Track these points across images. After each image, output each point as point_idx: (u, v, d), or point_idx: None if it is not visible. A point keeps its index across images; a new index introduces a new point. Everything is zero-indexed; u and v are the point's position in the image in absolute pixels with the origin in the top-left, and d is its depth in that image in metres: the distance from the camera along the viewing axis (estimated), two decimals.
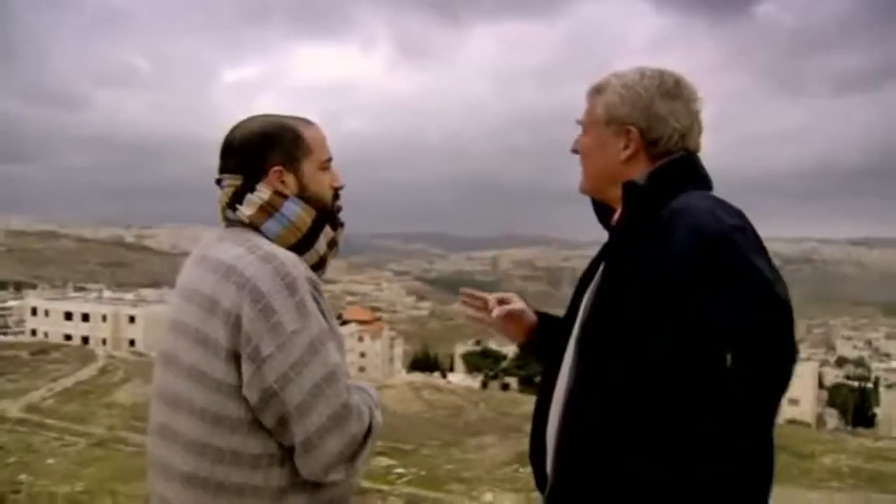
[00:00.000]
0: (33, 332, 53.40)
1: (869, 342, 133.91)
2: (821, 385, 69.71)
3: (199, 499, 1.48)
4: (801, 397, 56.75)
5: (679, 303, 1.34)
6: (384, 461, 8.32)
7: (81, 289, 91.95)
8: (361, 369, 64.36)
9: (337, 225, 1.69)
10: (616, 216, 1.61)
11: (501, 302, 1.88)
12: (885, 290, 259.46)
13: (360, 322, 77.72)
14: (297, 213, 1.60)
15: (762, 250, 1.39)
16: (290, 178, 1.61)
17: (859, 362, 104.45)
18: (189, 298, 1.54)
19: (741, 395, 1.30)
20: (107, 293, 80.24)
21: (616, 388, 1.40)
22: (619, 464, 1.39)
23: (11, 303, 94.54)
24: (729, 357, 1.29)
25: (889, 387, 68.55)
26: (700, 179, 1.57)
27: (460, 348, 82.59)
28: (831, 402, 66.94)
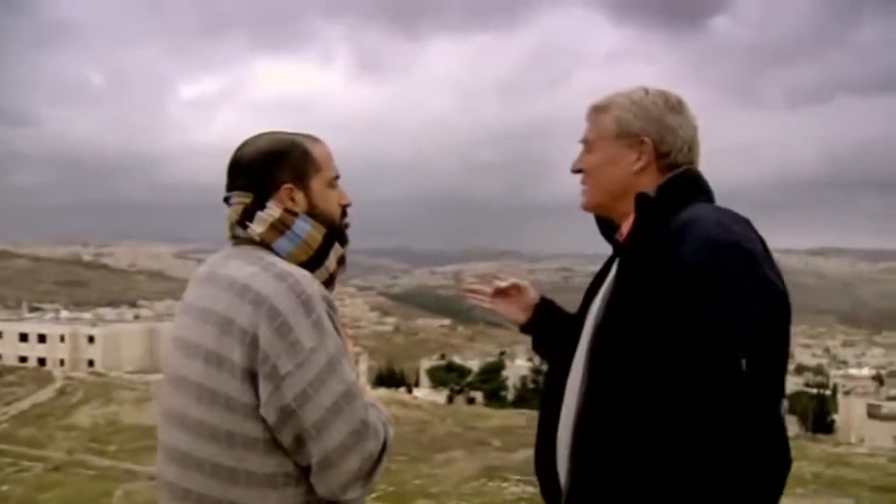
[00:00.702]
0: None
1: (827, 350, 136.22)
2: None
3: None
4: None
5: (693, 310, 1.39)
6: None
7: (37, 309, 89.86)
8: None
9: (345, 242, 1.68)
10: (624, 229, 1.66)
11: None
12: (842, 299, 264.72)
13: None
14: (308, 230, 1.60)
15: (770, 260, 1.45)
16: (299, 196, 1.61)
17: (818, 370, 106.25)
18: (199, 317, 1.52)
19: (757, 398, 1.36)
20: (64, 313, 78.59)
21: (633, 394, 1.44)
22: (640, 471, 1.42)
23: None
24: (744, 362, 1.35)
25: (846, 393, 69.85)
26: (705, 192, 1.63)
27: (425, 363, 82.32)
28: (792, 410, 68.00)
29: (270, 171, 1.60)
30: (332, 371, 1.44)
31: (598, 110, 1.71)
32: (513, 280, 1.99)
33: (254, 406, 1.43)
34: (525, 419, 9.03)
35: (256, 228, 1.58)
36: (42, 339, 55.23)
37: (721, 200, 1.63)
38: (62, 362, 46.31)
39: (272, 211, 1.58)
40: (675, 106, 1.66)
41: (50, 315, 74.85)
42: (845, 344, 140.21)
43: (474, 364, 67.22)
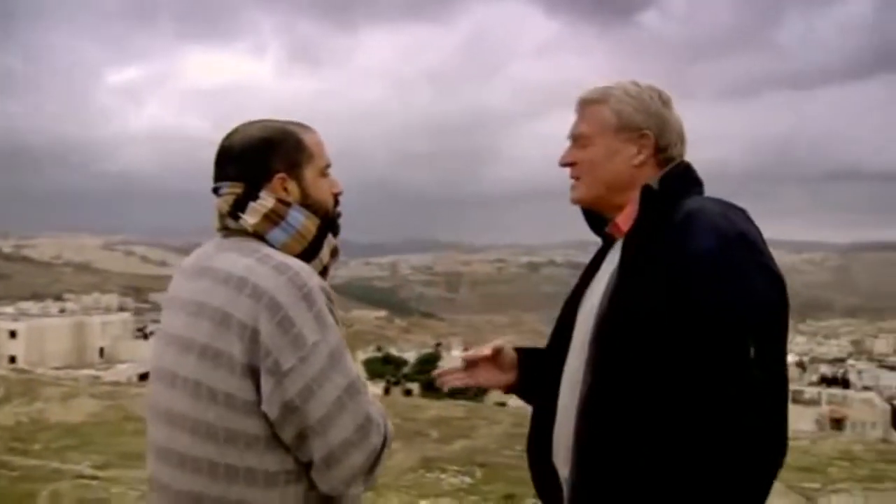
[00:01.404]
0: None
1: None
2: None
3: None
4: None
5: (702, 299, 1.41)
6: None
7: None
8: None
9: (337, 232, 1.64)
10: (620, 222, 1.67)
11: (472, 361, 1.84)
12: None
13: None
14: (302, 221, 1.56)
15: (768, 248, 1.49)
16: (292, 185, 1.58)
17: None
18: (193, 312, 1.46)
19: (765, 384, 1.40)
20: None
21: (642, 382, 1.45)
22: (649, 459, 1.43)
23: None
24: (752, 349, 1.38)
25: None
26: (699, 184, 1.66)
27: (361, 355, 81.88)
28: None
29: (263, 160, 1.56)
30: (335, 365, 1.41)
31: (593, 102, 1.69)
32: (482, 350, 1.84)
33: (254, 402, 1.40)
34: (462, 410, 9.08)
35: (249, 219, 1.53)
36: None
37: None
38: None
39: (265, 201, 1.53)
40: (667, 100, 1.68)
41: None
42: None
43: (410, 355, 67.29)
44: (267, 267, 1.44)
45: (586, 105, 1.70)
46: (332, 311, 1.47)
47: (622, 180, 1.65)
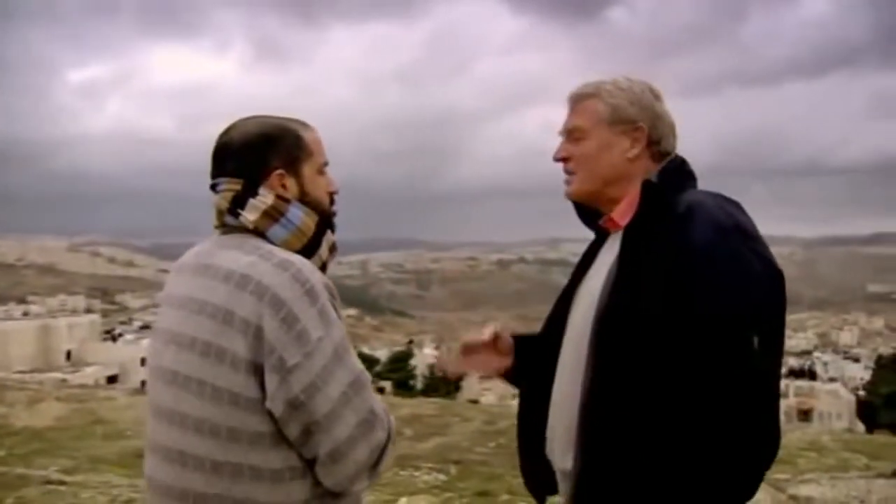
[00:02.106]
0: None
1: None
2: None
3: None
4: None
5: (706, 291, 1.42)
6: None
7: None
8: None
9: (334, 229, 1.64)
10: (616, 216, 1.68)
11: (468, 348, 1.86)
12: None
13: None
14: (301, 217, 1.55)
15: (763, 240, 1.51)
16: (290, 182, 1.57)
17: None
18: (193, 309, 1.45)
19: (766, 376, 1.43)
20: None
21: (646, 373, 1.45)
22: (654, 449, 1.44)
23: None
24: (756, 339, 1.40)
25: None
26: (693, 178, 1.67)
27: None
28: None
29: (262, 156, 1.55)
30: (340, 360, 1.41)
31: (585, 97, 1.69)
32: (482, 335, 1.85)
33: (258, 400, 1.39)
34: (435, 407, 9.08)
35: (249, 216, 1.52)
36: None
37: None
38: None
39: (265, 198, 1.52)
40: (658, 94, 1.69)
41: None
42: None
43: (382, 354, 67.09)
44: (269, 264, 1.43)
45: (579, 100, 1.71)
46: (334, 307, 1.46)
47: (617, 173, 1.66)
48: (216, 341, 1.41)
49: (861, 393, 58.71)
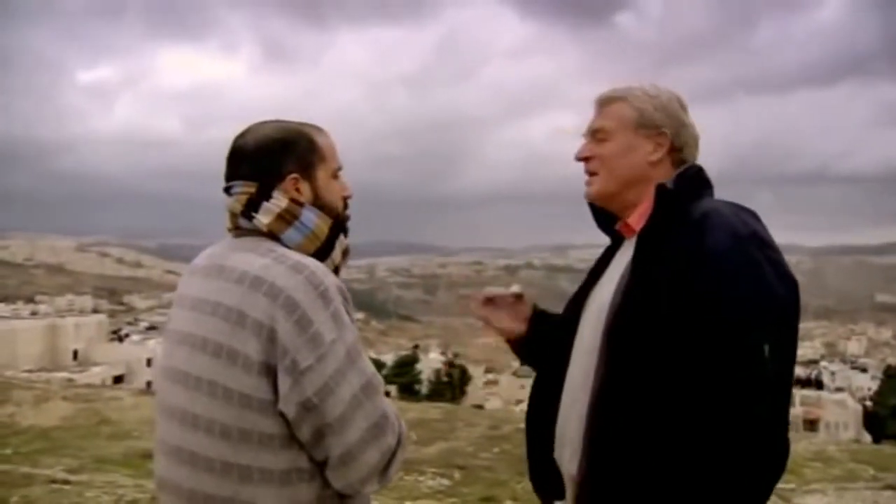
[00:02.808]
0: None
1: None
2: None
3: None
4: None
5: (720, 297, 1.42)
6: None
7: None
8: None
9: (347, 234, 1.65)
10: (631, 220, 1.69)
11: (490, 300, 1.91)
12: None
13: None
14: (315, 221, 1.56)
15: (778, 249, 1.51)
16: (304, 186, 1.58)
17: None
18: (206, 311, 1.46)
19: (776, 383, 1.43)
20: None
21: (658, 378, 1.45)
22: (663, 454, 1.44)
23: None
24: (767, 347, 1.40)
25: None
26: (710, 187, 1.68)
27: None
28: None
29: (276, 160, 1.56)
30: (352, 363, 1.41)
31: (613, 100, 1.72)
32: (506, 291, 1.89)
33: (270, 401, 1.39)
34: (440, 412, 9.07)
35: (263, 219, 1.53)
36: None
37: None
38: None
39: (279, 201, 1.53)
40: (685, 106, 1.72)
41: None
42: None
43: (388, 358, 67.10)
44: (283, 266, 1.43)
45: (607, 102, 1.73)
46: (347, 311, 1.47)
47: (636, 175, 1.67)
48: (228, 343, 1.41)
49: (868, 403, 58.48)
